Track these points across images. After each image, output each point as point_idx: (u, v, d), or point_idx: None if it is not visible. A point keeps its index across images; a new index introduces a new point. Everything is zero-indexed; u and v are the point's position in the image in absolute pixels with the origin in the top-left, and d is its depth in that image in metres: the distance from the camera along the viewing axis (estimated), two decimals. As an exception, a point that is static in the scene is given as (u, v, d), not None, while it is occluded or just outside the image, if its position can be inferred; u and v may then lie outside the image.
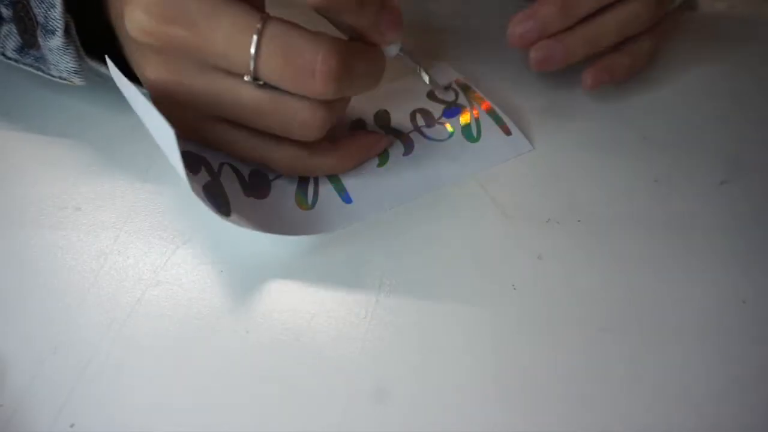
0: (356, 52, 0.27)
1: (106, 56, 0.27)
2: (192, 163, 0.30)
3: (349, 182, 0.31)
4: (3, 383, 0.25)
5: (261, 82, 0.26)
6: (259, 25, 0.25)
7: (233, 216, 0.28)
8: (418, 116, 0.34)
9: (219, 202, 0.28)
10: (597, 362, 0.26)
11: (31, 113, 0.34)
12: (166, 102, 0.28)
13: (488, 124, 0.34)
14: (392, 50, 0.29)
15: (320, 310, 0.27)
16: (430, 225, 0.30)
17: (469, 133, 0.34)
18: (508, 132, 0.34)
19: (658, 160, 0.33)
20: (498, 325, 0.27)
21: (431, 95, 0.35)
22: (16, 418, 0.24)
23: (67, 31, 0.29)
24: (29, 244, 0.29)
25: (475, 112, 0.35)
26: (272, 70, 0.25)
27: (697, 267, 0.29)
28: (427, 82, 0.34)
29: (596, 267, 0.29)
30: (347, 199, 0.31)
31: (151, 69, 0.27)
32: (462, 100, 0.35)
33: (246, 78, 0.26)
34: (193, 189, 0.25)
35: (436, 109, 0.35)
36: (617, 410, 0.25)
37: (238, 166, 0.31)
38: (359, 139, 0.32)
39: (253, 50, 0.25)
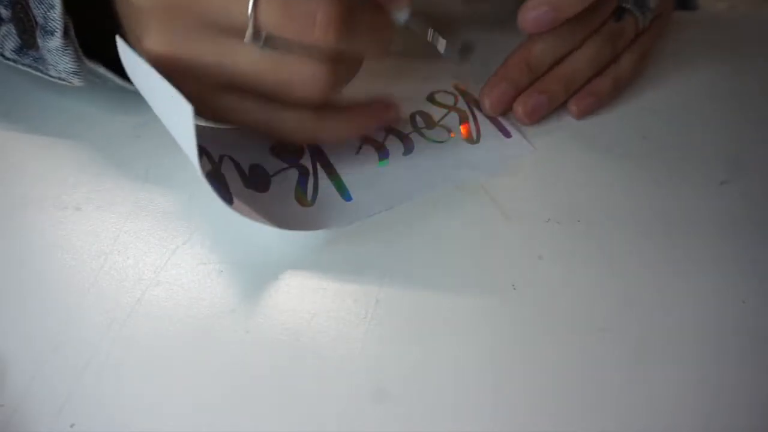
0: (362, 8, 0.27)
1: (117, 36, 0.27)
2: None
3: (350, 180, 0.31)
4: (3, 383, 0.25)
5: (261, 43, 0.26)
6: None
7: (236, 203, 0.28)
8: (418, 118, 0.34)
9: (221, 189, 0.28)
10: (597, 362, 0.26)
11: (31, 113, 0.34)
12: (169, 73, 0.27)
13: (487, 128, 0.34)
14: (401, 16, 0.29)
15: (320, 310, 0.27)
16: (430, 225, 0.30)
17: (468, 135, 0.34)
18: (508, 135, 0.34)
19: (658, 160, 0.33)
20: (498, 325, 0.27)
21: (431, 98, 0.35)
22: (16, 418, 0.24)
23: (66, 32, 0.29)
24: (29, 244, 0.29)
25: (473, 115, 0.35)
26: (271, 18, 0.25)
27: (697, 267, 0.29)
28: (441, 50, 0.32)
29: (596, 267, 0.29)
30: (347, 197, 0.31)
31: (152, 38, 0.27)
32: (461, 104, 0.35)
33: (247, 35, 0.26)
34: (202, 170, 0.25)
35: (436, 112, 0.35)
36: (617, 410, 0.25)
37: (238, 158, 0.31)
38: (368, 105, 0.32)
39: (251, 2, 0.25)
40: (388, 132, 0.33)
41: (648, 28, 0.36)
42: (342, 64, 0.27)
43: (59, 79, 0.31)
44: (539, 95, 0.34)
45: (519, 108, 0.34)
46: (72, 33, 0.29)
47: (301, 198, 0.30)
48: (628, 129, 0.35)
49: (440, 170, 0.32)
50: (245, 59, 0.26)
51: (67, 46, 0.29)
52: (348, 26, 0.25)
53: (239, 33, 0.26)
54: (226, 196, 0.28)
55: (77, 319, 0.26)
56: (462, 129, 0.34)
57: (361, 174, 0.32)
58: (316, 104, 0.28)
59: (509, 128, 0.34)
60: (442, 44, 0.32)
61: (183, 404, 0.25)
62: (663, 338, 0.27)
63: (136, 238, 0.29)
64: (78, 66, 0.30)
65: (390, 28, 0.28)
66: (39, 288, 0.27)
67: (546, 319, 0.27)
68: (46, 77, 0.31)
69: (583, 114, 0.35)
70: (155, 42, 0.27)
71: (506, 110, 0.34)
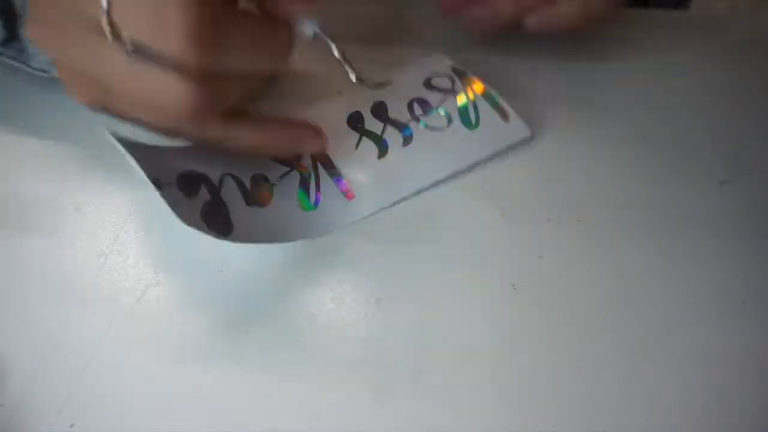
0: (246, 18, 0.24)
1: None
2: (191, 183, 0.28)
3: (350, 175, 0.31)
4: (3, 383, 0.25)
5: (127, 49, 0.23)
6: None
7: (235, 233, 0.28)
8: (416, 105, 0.34)
9: (218, 222, 0.28)
10: (597, 362, 0.26)
11: (31, 114, 0.34)
12: (55, 63, 0.26)
13: (486, 110, 0.34)
14: (307, 29, 0.25)
15: (320, 310, 0.27)
16: (430, 225, 0.30)
17: (467, 121, 0.33)
18: (505, 117, 0.33)
19: (658, 160, 0.33)
20: (498, 325, 0.27)
21: (428, 84, 0.35)
22: (16, 418, 0.24)
23: None
24: (29, 244, 0.29)
25: (471, 97, 0.34)
26: (127, 20, 0.22)
27: (697, 267, 0.29)
28: (353, 79, 0.28)
29: (596, 267, 0.29)
30: (341, 186, 0.30)
31: (43, 41, 0.25)
32: (458, 86, 0.35)
33: (107, 37, 0.22)
34: (186, 220, 0.25)
35: (434, 98, 0.34)
36: (617, 410, 0.25)
37: (238, 173, 0.30)
38: (292, 124, 0.29)
39: None
40: (386, 122, 0.33)
41: None
42: (221, 81, 0.24)
43: (41, 71, 0.30)
44: (483, 9, 0.34)
45: (466, 18, 0.34)
46: None
47: (304, 204, 0.30)
48: (628, 129, 0.34)
49: (441, 159, 0.32)
50: (115, 66, 0.23)
51: None
52: (219, 38, 0.23)
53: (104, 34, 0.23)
54: (224, 228, 0.27)
55: (77, 319, 0.26)
56: (459, 111, 0.34)
57: (361, 169, 0.31)
58: (192, 121, 0.25)
59: (507, 110, 0.33)
60: (352, 75, 0.28)
61: (183, 404, 0.25)
62: (663, 338, 0.27)
63: (136, 238, 0.29)
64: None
65: (283, 41, 0.25)
66: (39, 288, 0.27)
67: (546, 318, 0.27)
68: (30, 71, 0.30)
69: (533, 30, 0.34)
70: (46, 44, 0.25)
71: (457, 11, 0.34)
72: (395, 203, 0.31)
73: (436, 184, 0.31)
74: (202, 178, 0.29)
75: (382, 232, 0.30)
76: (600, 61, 0.37)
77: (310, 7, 0.25)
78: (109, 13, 0.22)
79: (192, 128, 0.26)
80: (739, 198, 0.31)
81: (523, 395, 0.25)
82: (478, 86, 0.35)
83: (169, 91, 0.23)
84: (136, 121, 0.26)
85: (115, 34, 0.22)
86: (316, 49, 0.27)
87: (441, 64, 0.36)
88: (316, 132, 0.30)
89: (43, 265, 0.28)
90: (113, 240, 0.29)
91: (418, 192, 0.31)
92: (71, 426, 0.24)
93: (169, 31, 0.22)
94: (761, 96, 0.36)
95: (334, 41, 0.27)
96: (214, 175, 0.29)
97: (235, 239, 0.27)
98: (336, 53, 0.27)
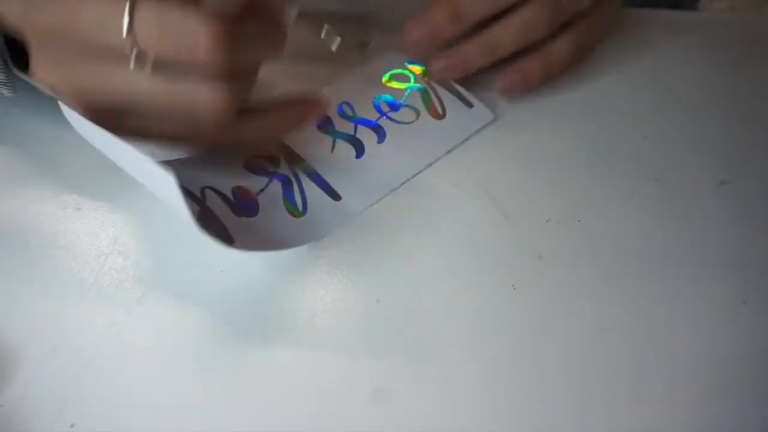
0: (246, 16, 0.25)
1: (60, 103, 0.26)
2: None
3: (331, 177, 0.31)
4: (3, 383, 0.25)
5: (149, 69, 0.24)
6: None
7: (237, 240, 0.28)
8: (381, 102, 0.35)
9: (215, 230, 0.28)
10: (597, 362, 0.26)
11: (31, 113, 0.34)
12: (69, 102, 0.26)
13: (450, 100, 0.34)
14: (291, 17, 0.27)
15: (320, 310, 0.27)
16: (430, 225, 0.30)
17: (434, 111, 0.34)
18: (469, 105, 0.34)
19: (658, 160, 0.33)
20: (498, 325, 0.27)
21: (388, 80, 0.35)
22: (16, 418, 0.24)
23: None
24: (29, 244, 0.29)
25: (434, 90, 0.35)
26: (150, 41, 0.24)
27: (697, 267, 0.29)
28: (334, 48, 0.31)
29: (596, 267, 0.29)
30: (324, 187, 0.31)
31: (42, 66, 0.26)
32: (418, 79, 0.35)
33: (131, 62, 0.24)
34: (192, 215, 0.24)
35: (397, 94, 0.35)
36: (617, 410, 0.25)
37: (218, 186, 0.30)
38: (293, 102, 0.30)
39: (126, 20, 0.23)
40: (357, 124, 0.34)
41: (589, 13, 0.34)
42: (239, 78, 0.26)
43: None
44: (455, 55, 0.33)
45: (433, 64, 0.34)
46: (1, 43, 0.28)
47: (293, 210, 0.30)
48: (628, 129, 0.34)
49: (416, 151, 0.33)
50: (135, 87, 0.25)
51: None
52: (235, 42, 0.24)
53: (124, 57, 0.24)
54: (223, 236, 0.28)
55: (77, 319, 0.26)
56: (424, 103, 0.34)
57: (341, 170, 0.32)
58: (220, 122, 0.26)
59: (469, 98, 0.34)
60: (336, 42, 0.31)
61: (183, 404, 0.25)
62: (663, 338, 0.27)
63: (136, 238, 0.29)
64: (6, 76, 0.29)
65: (282, 29, 0.27)
66: (39, 288, 0.27)
67: (546, 319, 0.27)
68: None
69: (507, 91, 0.34)
70: (45, 70, 0.26)
71: (422, 54, 0.34)
72: (381, 199, 0.31)
73: (417, 174, 0.32)
74: (185, 191, 0.29)
75: (381, 232, 0.30)
76: (600, 61, 0.37)
77: None
78: (132, 36, 0.23)
79: (215, 131, 0.27)
80: (739, 198, 0.31)
81: (523, 395, 0.25)
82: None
83: (201, 98, 0.25)
84: (144, 137, 0.27)
85: (139, 56, 0.24)
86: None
87: (397, 60, 0.36)
88: (317, 100, 0.30)
89: (43, 265, 0.28)
90: (113, 240, 0.29)
91: (402, 185, 0.31)
92: (71, 426, 0.24)
93: (197, 44, 0.23)
94: (761, 96, 0.36)
95: (318, 20, 0.30)
96: (194, 188, 0.29)
97: (238, 247, 0.27)
98: (324, 32, 0.30)
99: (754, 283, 0.28)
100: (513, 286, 0.28)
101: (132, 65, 0.24)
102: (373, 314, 0.27)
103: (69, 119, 0.27)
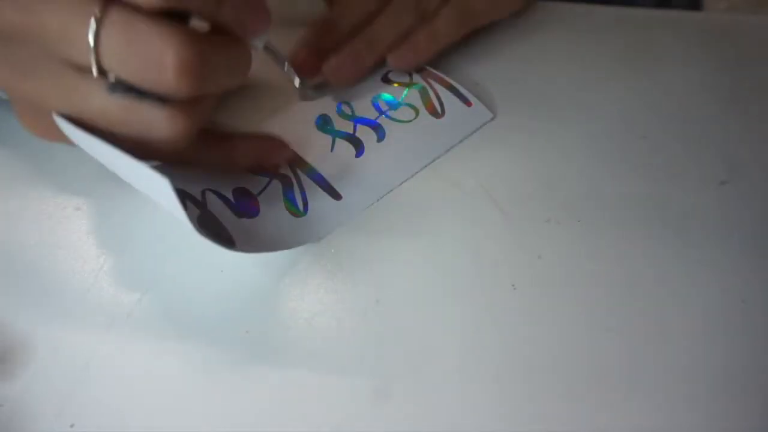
0: (216, 42, 0.24)
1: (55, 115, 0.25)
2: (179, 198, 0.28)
3: (332, 176, 0.31)
4: (3, 384, 0.25)
5: (109, 86, 0.23)
6: (97, 9, 0.22)
7: (237, 242, 0.28)
8: (380, 101, 0.35)
9: (215, 233, 0.28)
10: (597, 362, 0.26)
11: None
12: (21, 111, 0.26)
13: (449, 99, 0.35)
14: (258, 43, 0.27)
15: (320, 310, 0.27)
16: (430, 225, 0.30)
17: (433, 110, 0.34)
18: (468, 104, 0.34)
19: (658, 159, 0.33)
20: (498, 325, 0.27)
21: (385, 79, 0.36)
22: (16, 418, 0.24)
23: None
24: (29, 244, 0.29)
25: (433, 89, 0.35)
26: (115, 59, 0.22)
27: (697, 267, 0.29)
28: (296, 84, 0.33)
29: (596, 267, 0.29)
30: (325, 187, 0.31)
31: (4, 79, 0.25)
32: (417, 78, 0.35)
33: (94, 73, 0.23)
34: (191, 219, 0.24)
35: (396, 92, 0.35)
36: (617, 410, 0.25)
37: (218, 188, 0.30)
38: (257, 137, 0.30)
39: (91, 35, 0.22)
40: (356, 123, 0.34)
41: None
42: (200, 103, 0.25)
43: None
44: (344, 55, 0.34)
45: (325, 69, 0.34)
46: None
47: (293, 210, 0.30)
48: (627, 129, 0.35)
49: (416, 149, 0.33)
50: (94, 103, 0.24)
51: None
52: (204, 69, 0.23)
53: (82, 69, 0.23)
54: (225, 238, 0.28)
55: (77, 319, 0.27)
56: (423, 102, 0.34)
57: (341, 169, 0.32)
58: (178, 146, 0.26)
59: (468, 97, 0.35)
60: (296, 80, 0.33)
61: (183, 404, 0.25)
62: (663, 338, 0.27)
63: (136, 238, 0.29)
64: None
65: (248, 54, 0.26)
66: (39, 288, 0.27)
67: (546, 318, 0.27)
68: None
69: (401, 65, 0.35)
70: (3, 70, 0.25)
71: (316, 71, 0.34)
72: (382, 197, 0.31)
73: (416, 173, 0.32)
74: (185, 195, 0.29)
75: (381, 232, 0.30)
76: (600, 61, 0.37)
77: (267, 24, 0.26)
78: (96, 52, 0.22)
79: (173, 152, 0.27)
80: (739, 198, 0.31)
81: (523, 395, 0.25)
82: (438, 78, 0.35)
83: (158, 123, 0.24)
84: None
85: (101, 70, 0.23)
86: (264, 59, 0.29)
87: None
88: (281, 144, 0.31)
89: (44, 266, 0.28)
90: (113, 240, 0.29)
91: (401, 184, 0.31)
92: (71, 426, 0.24)
93: (164, 68, 0.22)
94: (761, 96, 0.36)
95: (278, 50, 0.31)
96: (194, 191, 0.29)
97: (240, 249, 0.27)
98: (286, 66, 0.32)
99: (754, 283, 0.28)
100: (513, 285, 0.28)
101: (90, 81, 0.23)
102: (373, 314, 0.27)
103: (63, 130, 0.26)
